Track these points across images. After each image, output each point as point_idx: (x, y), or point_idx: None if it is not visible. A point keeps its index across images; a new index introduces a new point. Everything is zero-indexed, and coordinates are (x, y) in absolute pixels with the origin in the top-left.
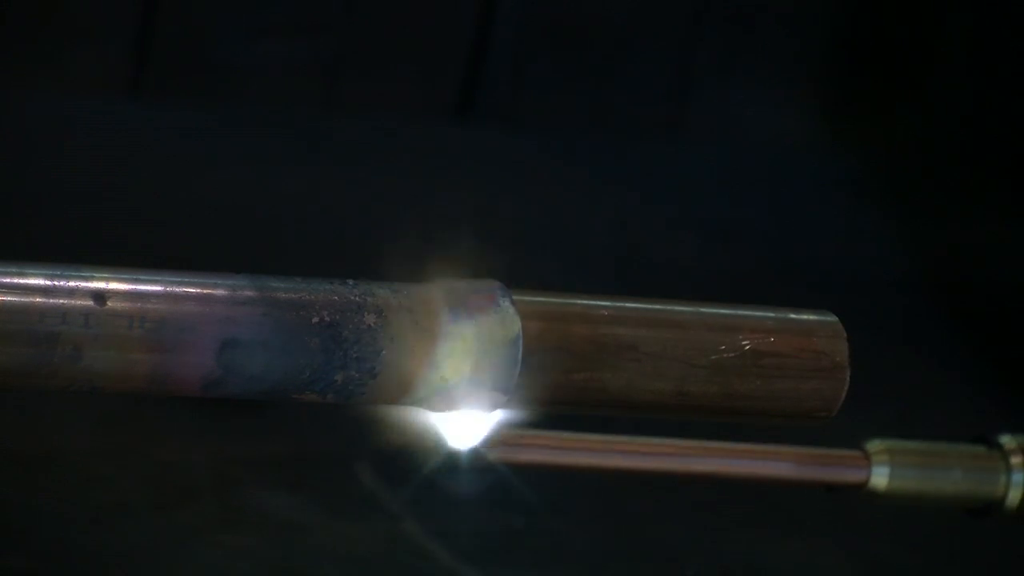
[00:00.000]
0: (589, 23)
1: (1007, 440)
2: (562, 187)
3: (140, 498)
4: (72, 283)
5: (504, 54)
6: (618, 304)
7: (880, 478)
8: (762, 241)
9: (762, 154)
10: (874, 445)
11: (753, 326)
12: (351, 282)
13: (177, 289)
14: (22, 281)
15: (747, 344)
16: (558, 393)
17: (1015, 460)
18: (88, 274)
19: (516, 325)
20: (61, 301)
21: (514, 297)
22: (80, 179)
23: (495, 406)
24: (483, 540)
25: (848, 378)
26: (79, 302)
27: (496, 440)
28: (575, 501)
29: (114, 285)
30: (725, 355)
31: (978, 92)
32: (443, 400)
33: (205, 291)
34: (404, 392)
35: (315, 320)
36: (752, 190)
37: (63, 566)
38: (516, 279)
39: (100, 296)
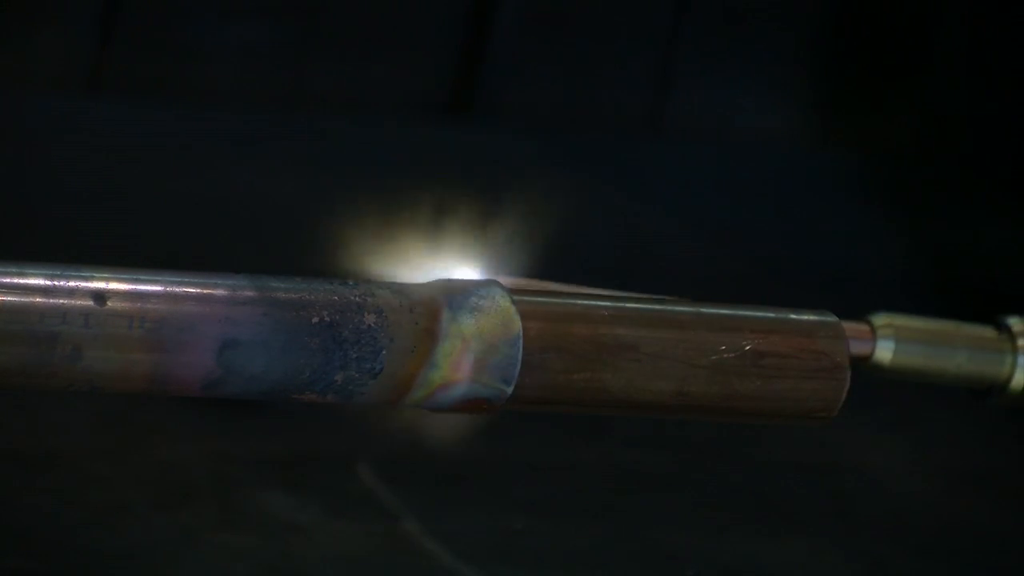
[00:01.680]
0: (585, 21)
1: (1016, 323)
2: (559, 185)
3: (140, 498)
4: (72, 283)
5: (496, 52)
6: (618, 304)
7: (885, 352)
8: (761, 241)
9: (761, 154)
10: (880, 319)
11: (753, 326)
12: (351, 282)
13: (177, 289)
14: (22, 281)
15: (747, 344)
16: (558, 393)
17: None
18: (88, 274)
19: (516, 325)
20: (61, 301)
21: (514, 297)
22: (70, 177)
23: (495, 406)
24: (483, 540)
25: (848, 378)
26: (79, 302)
27: None
28: (575, 501)
29: (114, 285)
30: (725, 355)
31: (977, 91)
32: (443, 400)
33: (205, 291)
34: (404, 392)
35: (315, 320)
36: (752, 190)
37: (63, 566)
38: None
39: (100, 296)
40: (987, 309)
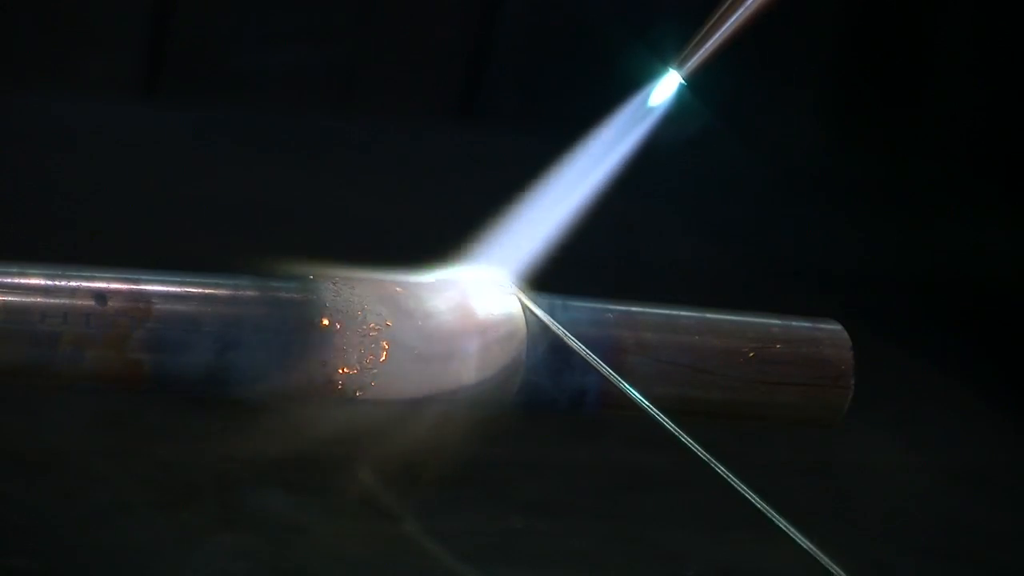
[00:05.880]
0: (591, 26)
1: None
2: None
3: (140, 498)
4: (73, 283)
5: (505, 58)
6: (624, 308)
7: None
8: (764, 242)
9: (765, 157)
10: None
11: (759, 334)
12: (351, 282)
13: (178, 289)
14: (24, 281)
15: (752, 351)
16: (559, 393)
17: None
18: (89, 274)
19: (522, 325)
20: (63, 301)
21: (520, 297)
22: (88, 181)
23: (497, 406)
24: (483, 540)
25: (852, 386)
26: (80, 302)
27: None
28: (575, 501)
29: (115, 285)
30: (731, 361)
31: (978, 95)
32: (445, 399)
33: (206, 291)
34: (404, 392)
35: (316, 320)
36: (755, 192)
37: (63, 566)
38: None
39: (101, 296)
40: (987, 309)
